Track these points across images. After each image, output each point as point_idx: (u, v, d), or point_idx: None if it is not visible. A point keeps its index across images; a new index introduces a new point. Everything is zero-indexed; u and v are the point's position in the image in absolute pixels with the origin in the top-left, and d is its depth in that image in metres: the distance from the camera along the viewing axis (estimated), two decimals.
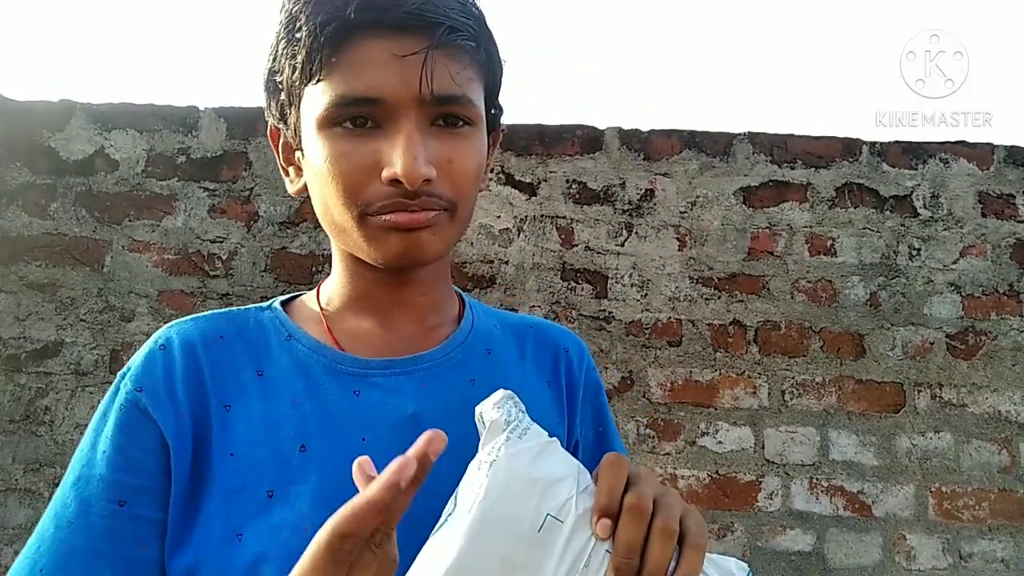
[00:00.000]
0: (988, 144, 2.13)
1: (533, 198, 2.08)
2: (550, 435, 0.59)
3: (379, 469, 0.60)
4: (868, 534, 1.95)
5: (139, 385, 0.66)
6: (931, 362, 2.02)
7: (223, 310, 0.75)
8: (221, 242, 2.05)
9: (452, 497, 0.56)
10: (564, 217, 2.08)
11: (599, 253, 2.07)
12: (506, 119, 2.48)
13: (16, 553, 1.88)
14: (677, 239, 2.08)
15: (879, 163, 2.11)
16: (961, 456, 1.98)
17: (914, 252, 2.08)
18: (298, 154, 0.72)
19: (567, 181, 2.09)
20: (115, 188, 2.05)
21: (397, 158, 0.61)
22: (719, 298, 2.05)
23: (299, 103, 0.67)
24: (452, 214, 0.67)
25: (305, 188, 0.73)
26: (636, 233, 2.07)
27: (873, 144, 2.12)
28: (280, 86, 0.68)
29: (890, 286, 2.06)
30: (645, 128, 2.12)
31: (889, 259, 2.07)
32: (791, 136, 2.12)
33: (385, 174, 0.62)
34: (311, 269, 2.04)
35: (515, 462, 0.54)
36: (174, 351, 0.68)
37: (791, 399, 2.00)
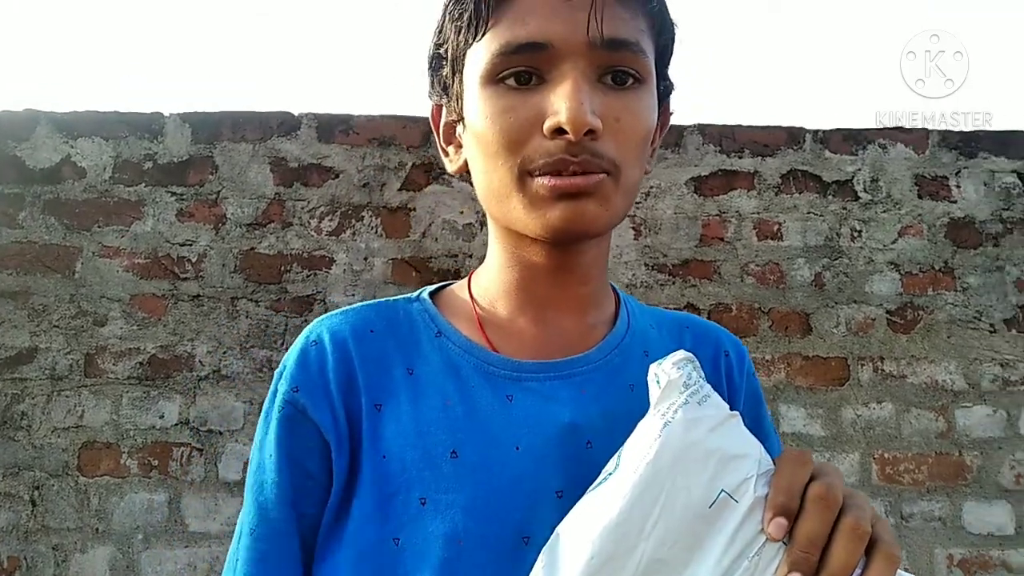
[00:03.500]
0: (923, 129, 2.25)
1: None
2: None
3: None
4: None
5: (295, 384, 0.65)
6: (873, 337, 2.14)
7: (372, 302, 0.73)
8: (190, 245, 2.09)
9: (615, 456, 0.53)
10: None
11: None
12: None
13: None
14: (633, 228, 2.17)
15: (822, 150, 2.22)
16: (902, 424, 2.11)
17: (855, 234, 2.19)
18: (459, 128, 0.69)
19: None
20: (83, 195, 2.08)
21: (561, 105, 0.57)
22: (674, 283, 2.15)
23: (463, 68, 0.65)
24: (616, 180, 0.61)
25: (465, 166, 0.69)
26: None
27: (816, 132, 2.23)
28: (443, 57, 0.67)
29: (834, 267, 2.18)
30: None
31: (832, 241, 2.19)
32: (738, 127, 2.22)
33: (548, 124, 0.58)
34: (280, 268, 2.10)
35: (692, 427, 0.50)
36: (325, 347, 0.67)
37: None
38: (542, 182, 0.60)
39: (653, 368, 0.56)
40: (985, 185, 2.22)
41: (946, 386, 2.12)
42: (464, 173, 0.70)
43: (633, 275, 2.14)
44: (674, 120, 0.80)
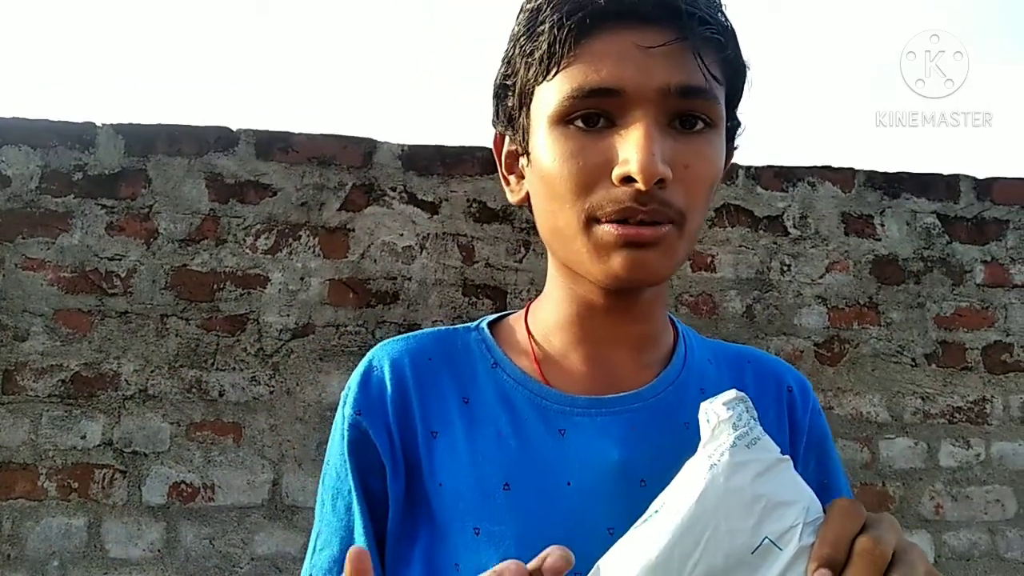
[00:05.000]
0: (850, 169, 2.35)
1: (435, 216, 2.16)
2: None
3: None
4: None
5: (358, 408, 0.68)
6: (801, 368, 2.20)
7: (432, 329, 0.74)
8: (119, 260, 2.03)
9: (662, 493, 0.53)
10: (465, 235, 2.17)
11: (499, 269, 2.16)
12: (408, 139, 2.50)
13: None
14: None
15: (754, 186, 2.29)
16: None
17: (785, 268, 2.26)
18: (522, 161, 0.69)
19: (468, 200, 2.18)
20: (7, 205, 2.01)
21: (632, 154, 0.57)
22: None
23: (530, 103, 0.64)
24: (681, 229, 0.61)
25: (527, 198, 0.70)
26: (534, 250, 2.18)
27: (748, 168, 2.30)
28: (511, 89, 0.66)
29: (764, 299, 2.24)
30: None
31: (763, 274, 2.25)
32: None
33: (617, 172, 0.58)
34: (212, 287, 2.05)
35: (739, 471, 0.50)
36: (385, 372, 0.69)
37: None
38: (608, 229, 0.59)
39: (704, 406, 0.55)
40: (907, 225, 2.32)
41: (871, 418, 2.20)
42: (525, 204, 0.70)
43: None
44: None
